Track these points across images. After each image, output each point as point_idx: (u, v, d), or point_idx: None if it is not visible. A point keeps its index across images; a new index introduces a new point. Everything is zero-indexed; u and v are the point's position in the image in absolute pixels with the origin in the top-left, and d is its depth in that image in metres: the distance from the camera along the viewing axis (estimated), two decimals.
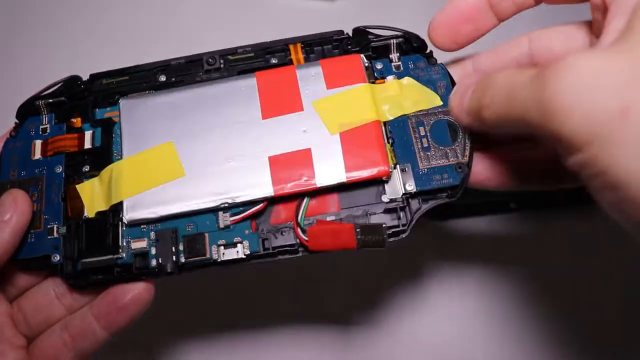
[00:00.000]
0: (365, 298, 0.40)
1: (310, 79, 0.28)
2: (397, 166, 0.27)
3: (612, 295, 0.39)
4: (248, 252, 0.26)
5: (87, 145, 0.29)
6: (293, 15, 0.44)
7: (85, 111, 0.29)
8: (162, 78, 0.30)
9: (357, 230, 0.25)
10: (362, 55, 0.29)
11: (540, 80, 0.19)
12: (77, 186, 0.28)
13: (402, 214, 0.26)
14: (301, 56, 0.30)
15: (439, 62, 0.29)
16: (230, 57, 0.30)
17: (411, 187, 0.26)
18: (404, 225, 0.26)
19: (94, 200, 0.27)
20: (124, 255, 0.26)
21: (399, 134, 0.27)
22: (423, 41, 0.29)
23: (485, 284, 0.40)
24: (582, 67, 0.18)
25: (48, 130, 0.29)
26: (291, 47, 0.30)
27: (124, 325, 0.27)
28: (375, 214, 0.26)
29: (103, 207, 0.27)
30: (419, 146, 0.27)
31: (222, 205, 0.26)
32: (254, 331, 0.39)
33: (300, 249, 0.26)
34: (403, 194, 0.26)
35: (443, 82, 0.28)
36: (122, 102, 0.28)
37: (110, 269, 0.26)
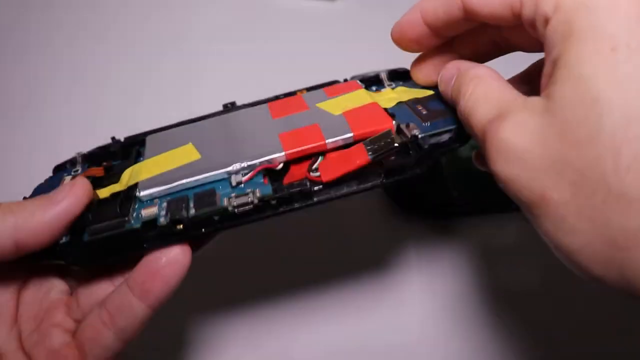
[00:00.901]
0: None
1: (313, 95, 0.32)
2: (401, 125, 0.28)
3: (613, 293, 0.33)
4: (259, 195, 0.25)
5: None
6: (293, 16, 0.45)
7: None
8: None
9: (366, 144, 0.24)
10: (358, 81, 0.33)
11: (485, 143, 0.21)
12: (97, 191, 0.28)
13: (412, 152, 0.26)
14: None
15: None
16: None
17: (416, 131, 0.27)
18: (416, 158, 0.25)
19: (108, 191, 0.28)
20: (132, 220, 0.25)
21: (398, 111, 0.29)
22: (407, 70, 0.34)
23: (485, 284, 0.39)
24: (509, 137, 0.20)
25: (79, 171, 0.31)
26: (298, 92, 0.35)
27: (161, 296, 0.24)
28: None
29: (117, 189, 0.27)
30: (419, 112, 0.29)
31: (234, 170, 0.26)
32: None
33: (314, 188, 0.25)
34: (411, 136, 0.26)
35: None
36: (148, 138, 0.32)
37: (120, 239, 0.24)
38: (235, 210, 0.24)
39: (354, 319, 0.38)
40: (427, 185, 0.27)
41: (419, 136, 0.27)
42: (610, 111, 0.17)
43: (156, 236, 0.24)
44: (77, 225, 0.25)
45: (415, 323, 0.38)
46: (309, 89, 0.34)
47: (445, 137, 0.27)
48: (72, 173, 0.31)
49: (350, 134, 0.27)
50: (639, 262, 0.17)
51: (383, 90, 0.32)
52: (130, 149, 0.31)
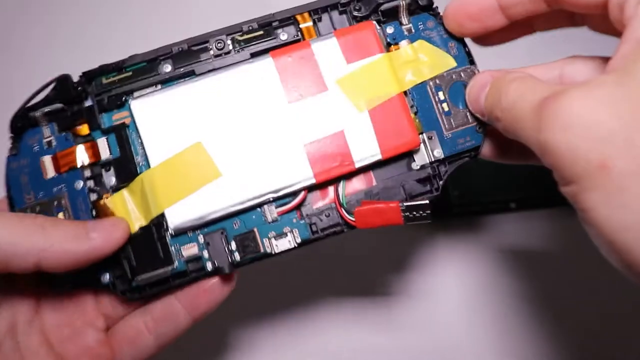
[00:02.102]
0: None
1: (328, 54, 0.27)
2: (424, 134, 0.28)
3: (614, 292, 0.39)
4: (299, 240, 0.27)
5: (105, 155, 0.27)
6: None
7: (91, 117, 0.27)
8: (167, 68, 0.28)
9: (403, 208, 0.27)
10: (374, 22, 0.28)
11: (539, 116, 0.21)
12: (106, 201, 0.27)
13: (434, 181, 0.28)
14: (311, 27, 0.28)
15: None
16: (238, 37, 0.28)
17: (439, 153, 0.28)
18: (436, 189, 0.28)
19: (129, 213, 0.26)
20: (177, 264, 0.26)
21: (420, 102, 0.28)
22: (430, 4, 0.29)
23: (484, 283, 0.41)
24: (573, 108, 0.20)
25: (54, 143, 0.27)
26: (298, 17, 0.28)
27: (207, 311, 0.27)
28: (407, 183, 0.28)
29: (143, 222, 0.26)
30: (441, 111, 0.28)
31: (267, 200, 0.27)
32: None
33: (345, 229, 0.28)
34: (432, 162, 0.28)
35: (454, 43, 0.29)
36: (133, 104, 0.27)
37: (166, 280, 0.26)
38: (276, 252, 0.27)
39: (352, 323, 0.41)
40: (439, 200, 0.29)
41: (441, 157, 0.28)
42: None
43: (201, 270, 0.27)
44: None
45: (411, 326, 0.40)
46: (315, 25, 0.28)
47: (465, 159, 0.28)
48: (47, 149, 0.27)
49: (379, 157, 0.27)
50: None
51: (402, 45, 0.28)
52: (107, 101, 0.27)
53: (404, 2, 0.28)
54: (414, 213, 0.27)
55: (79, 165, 0.27)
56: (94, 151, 0.27)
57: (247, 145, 0.27)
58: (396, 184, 0.28)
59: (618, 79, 0.20)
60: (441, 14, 0.29)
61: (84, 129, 0.27)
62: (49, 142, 0.27)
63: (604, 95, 0.19)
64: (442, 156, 0.28)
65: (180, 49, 0.28)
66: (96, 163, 0.27)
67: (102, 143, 0.27)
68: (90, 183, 0.27)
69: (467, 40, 0.29)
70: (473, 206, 0.40)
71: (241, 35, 0.28)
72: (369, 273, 0.41)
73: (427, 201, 0.26)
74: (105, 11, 0.47)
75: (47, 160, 0.27)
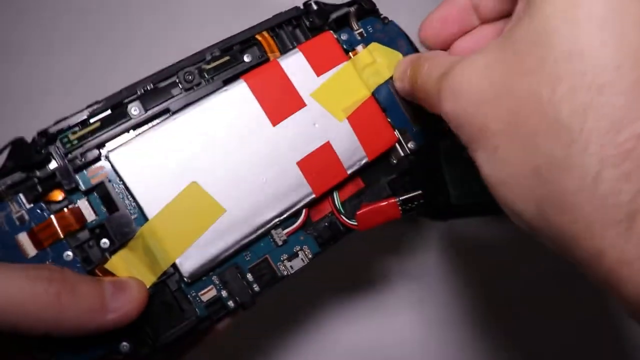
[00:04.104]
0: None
1: (298, 70, 0.28)
2: (396, 131, 0.30)
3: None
4: (311, 255, 0.27)
5: (90, 217, 0.24)
6: None
7: (66, 179, 0.24)
8: (135, 111, 0.26)
9: (399, 202, 0.28)
10: (331, 32, 0.29)
11: (439, 90, 0.22)
12: (105, 265, 0.24)
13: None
14: (272, 43, 0.28)
15: (390, 19, 0.31)
16: (204, 65, 0.27)
17: (413, 145, 0.30)
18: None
19: (133, 273, 0.25)
20: (199, 312, 0.25)
21: (386, 101, 0.30)
22: (373, 3, 0.30)
23: (485, 283, 0.41)
24: (458, 77, 0.21)
25: (26, 217, 0.24)
26: (258, 37, 0.28)
27: None
28: (392, 176, 0.30)
29: (153, 278, 0.25)
30: (405, 107, 0.30)
31: (274, 225, 0.27)
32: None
33: (348, 232, 0.29)
34: (408, 154, 0.30)
35: (402, 40, 0.31)
36: (114, 157, 0.24)
37: (191, 331, 0.25)
38: (291, 273, 0.27)
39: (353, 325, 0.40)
40: (426, 185, 0.30)
41: (415, 149, 0.30)
42: (560, 43, 0.18)
43: (223, 309, 0.26)
44: None
45: (410, 326, 0.40)
46: (276, 44, 0.28)
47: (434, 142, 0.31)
48: (20, 226, 0.24)
49: (366, 159, 0.28)
50: (557, 196, 0.18)
51: (358, 50, 0.30)
52: (80, 159, 0.24)
53: (352, 9, 0.30)
54: (410, 204, 0.29)
55: (62, 236, 0.24)
56: (76, 216, 0.24)
57: (241, 174, 0.26)
58: (384, 181, 0.30)
59: (500, 43, 0.20)
60: (387, 18, 0.31)
61: (55, 194, 0.24)
62: (20, 218, 0.24)
63: (484, 62, 0.21)
64: (416, 147, 0.30)
65: (145, 89, 0.26)
66: (82, 228, 0.24)
67: (83, 205, 0.24)
68: (80, 251, 0.24)
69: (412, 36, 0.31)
70: (473, 206, 0.43)
71: (208, 64, 0.27)
72: (365, 276, 0.42)
73: (420, 191, 0.29)
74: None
75: (23, 237, 0.23)
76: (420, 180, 0.30)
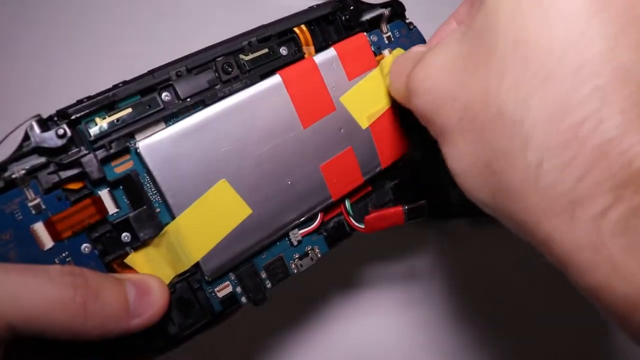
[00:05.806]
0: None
1: (331, 71, 0.27)
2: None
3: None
4: (320, 255, 0.28)
5: (112, 209, 0.23)
6: None
7: (91, 168, 0.22)
8: (167, 98, 0.24)
9: (405, 211, 0.30)
10: (365, 34, 0.28)
11: (407, 88, 0.23)
12: (125, 260, 0.23)
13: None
14: (309, 37, 0.27)
15: (414, 25, 0.31)
16: (242, 56, 0.25)
17: (418, 152, 0.31)
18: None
19: (154, 270, 0.24)
20: (215, 307, 0.25)
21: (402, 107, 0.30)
22: (404, 7, 0.30)
23: (486, 282, 0.42)
24: (419, 75, 0.21)
25: (43, 206, 0.21)
26: (296, 30, 0.27)
27: None
28: (396, 181, 0.31)
29: (172, 276, 0.24)
30: None
31: (294, 226, 0.27)
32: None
33: (352, 234, 0.30)
34: (413, 159, 0.31)
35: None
36: (143, 149, 0.23)
37: (205, 326, 0.25)
38: (301, 271, 0.28)
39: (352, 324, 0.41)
40: (426, 185, 0.30)
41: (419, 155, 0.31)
42: (505, 35, 0.18)
43: (235, 303, 0.26)
44: None
45: (403, 327, 0.41)
46: (312, 38, 0.27)
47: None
48: (35, 214, 0.21)
49: (380, 168, 0.29)
50: (506, 187, 0.18)
51: (384, 54, 0.30)
52: (109, 149, 0.22)
53: (386, 11, 0.29)
54: (415, 214, 0.30)
55: (83, 228, 0.22)
56: (98, 208, 0.22)
57: (268, 175, 0.26)
58: (386, 186, 0.31)
59: (458, 38, 0.20)
60: (412, 24, 0.31)
61: (75, 183, 0.22)
62: (36, 206, 0.21)
63: (443, 58, 0.21)
64: (421, 153, 0.31)
65: (178, 73, 0.24)
66: (103, 220, 0.23)
67: (105, 195, 0.23)
68: (99, 244, 0.23)
69: None
70: (473, 206, 0.45)
71: (246, 55, 0.25)
72: (362, 278, 0.42)
73: (424, 202, 0.30)
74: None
75: (40, 227, 0.21)
76: (422, 184, 0.31)
